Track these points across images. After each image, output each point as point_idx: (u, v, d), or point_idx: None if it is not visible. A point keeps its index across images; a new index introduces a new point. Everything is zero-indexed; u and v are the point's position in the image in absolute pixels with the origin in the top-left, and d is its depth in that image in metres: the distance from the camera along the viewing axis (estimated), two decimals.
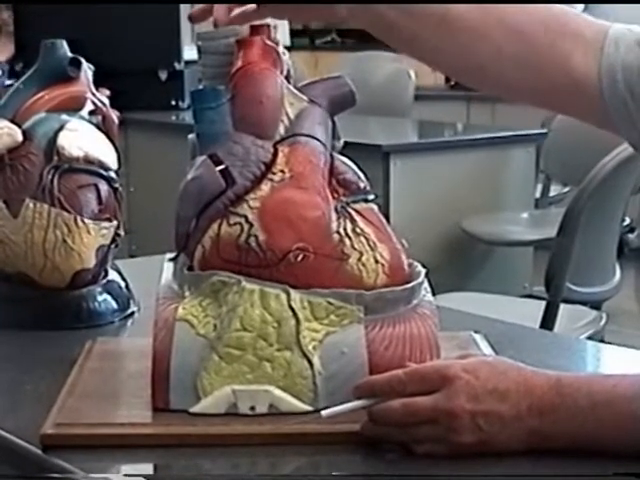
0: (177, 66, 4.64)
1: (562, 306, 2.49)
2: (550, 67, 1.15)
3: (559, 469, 0.98)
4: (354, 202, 1.13)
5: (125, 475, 1.01)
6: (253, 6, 1.17)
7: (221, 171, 1.12)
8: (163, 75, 4.67)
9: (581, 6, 6.21)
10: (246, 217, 1.10)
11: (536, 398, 0.99)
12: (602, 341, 2.49)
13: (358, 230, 1.11)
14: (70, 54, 1.53)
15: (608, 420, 0.98)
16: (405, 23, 1.14)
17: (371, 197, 1.15)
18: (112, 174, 1.50)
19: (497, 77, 1.17)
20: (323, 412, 1.02)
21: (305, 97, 1.17)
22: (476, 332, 1.32)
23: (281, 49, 1.21)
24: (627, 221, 4.40)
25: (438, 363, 1.07)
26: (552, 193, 4.25)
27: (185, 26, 4.64)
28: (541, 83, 1.16)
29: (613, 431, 0.98)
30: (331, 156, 1.16)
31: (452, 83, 6.33)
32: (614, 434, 0.98)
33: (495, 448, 0.99)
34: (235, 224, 1.10)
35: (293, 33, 5.37)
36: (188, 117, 4.19)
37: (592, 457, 0.98)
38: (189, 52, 4.54)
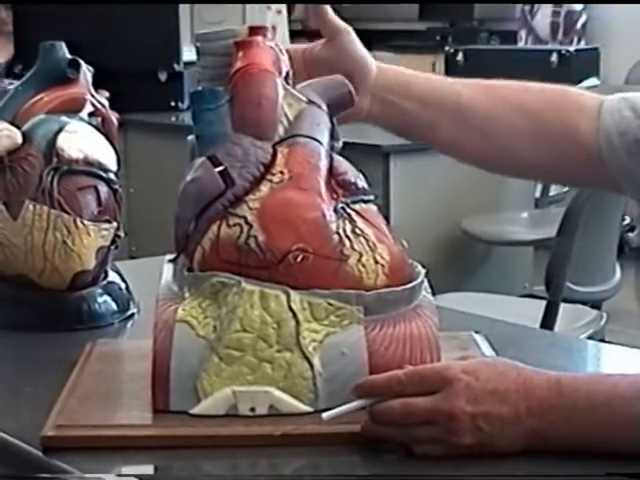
0: (176, 67, 4.63)
1: (562, 306, 2.49)
2: (563, 140, 1.22)
3: (558, 469, 0.98)
4: (353, 203, 1.13)
5: (120, 475, 1.01)
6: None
7: (220, 172, 1.12)
8: (162, 76, 4.67)
9: (580, 6, 6.21)
10: (245, 218, 1.10)
11: (536, 399, 0.99)
12: (602, 341, 2.49)
13: (358, 231, 1.11)
14: (69, 56, 1.53)
15: (607, 421, 0.98)
16: (423, 115, 1.22)
17: (370, 197, 1.15)
18: (112, 175, 1.50)
19: (518, 156, 1.24)
20: (323, 415, 1.02)
21: (304, 98, 1.17)
22: (476, 332, 1.32)
23: (280, 50, 1.21)
24: (627, 220, 4.40)
25: (438, 364, 1.07)
26: (552, 193, 4.25)
27: (184, 27, 4.64)
28: (557, 156, 1.23)
29: (612, 431, 0.98)
30: (330, 157, 1.16)
31: None
32: (613, 434, 0.98)
33: (494, 449, 0.99)
34: (234, 225, 1.10)
35: (292, 34, 5.36)
36: (187, 118, 4.17)
37: (591, 458, 0.98)
38: (188, 53, 4.54)
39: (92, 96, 1.53)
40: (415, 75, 1.26)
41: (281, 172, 1.12)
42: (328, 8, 1.25)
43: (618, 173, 1.20)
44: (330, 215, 1.11)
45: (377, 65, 1.25)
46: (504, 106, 1.23)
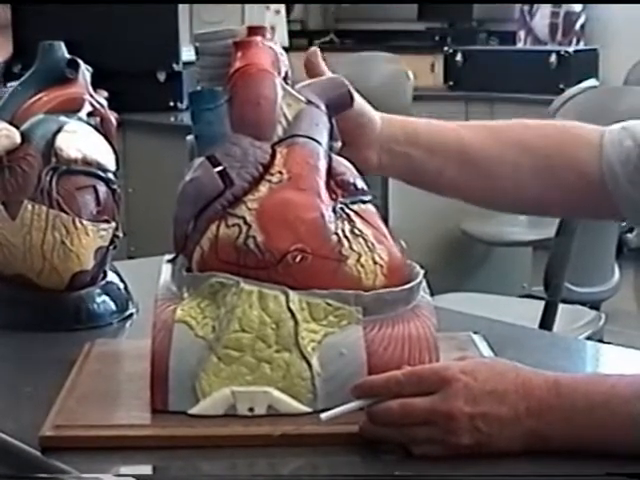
0: (175, 67, 4.64)
1: (561, 306, 2.49)
2: (566, 175, 1.25)
3: (557, 469, 0.98)
4: (352, 203, 1.13)
5: (118, 475, 1.01)
6: None
7: (219, 172, 1.12)
8: (161, 76, 4.67)
9: (579, 7, 6.21)
10: (244, 218, 1.10)
11: (534, 399, 0.99)
12: (601, 341, 2.49)
13: (356, 231, 1.11)
14: (68, 55, 1.53)
15: (605, 421, 0.98)
16: (429, 162, 1.26)
17: (369, 198, 1.16)
18: (110, 175, 1.50)
19: (519, 193, 1.27)
20: (322, 415, 1.02)
21: (303, 98, 1.17)
22: (475, 333, 1.32)
23: (279, 50, 1.21)
24: None
25: (436, 365, 1.07)
26: None
27: (183, 27, 4.64)
28: (562, 192, 1.26)
29: (610, 432, 0.98)
30: (329, 157, 1.16)
31: (450, 83, 6.33)
32: (611, 435, 0.98)
33: (493, 449, 0.99)
34: (233, 225, 1.10)
35: (291, 34, 5.37)
36: (186, 118, 4.19)
37: (591, 457, 0.98)
38: (187, 53, 4.54)
39: (91, 96, 1.53)
40: (420, 122, 1.28)
41: (280, 172, 1.12)
42: (324, 67, 1.25)
43: (620, 201, 1.24)
44: (329, 215, 1.11)
45: (381, 116, 1.27)
46: (507, 147, 1.26)
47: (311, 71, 1.25)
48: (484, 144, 1.26)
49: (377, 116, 1.27)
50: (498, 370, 1.02)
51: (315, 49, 1.26)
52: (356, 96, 1.25)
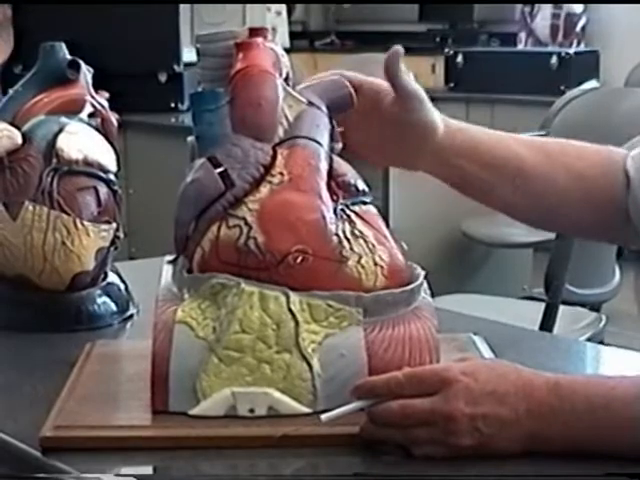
0: (176, 68, 4.64)
1: (561, 308, 2.49)
2: (601, 197, 1.27)
3: (558, 470, 0.98)
4: (353, 204, 1.13)
5: (118, 475, 1.01)
6: None
7: (220, 173, 1.12)
8: (162, 77, 4.67)
9: (580, 8, 6.21)
10: (245, 219, 1.10)
11: (535, 401, 0.99)
12: (601, 343, 2.49)
13: (357, 232, 1.11)
14: (69, 56, 1.53)
15: (606, 423, 0.98)
16: (482, 176, 1.26)
17: (370, 199, 1.16)
18: (111, 176, 1.50)
19: (565, 215, 1.29)
20: (322, 416, 1.02)
21: (304, 99, 1.17)
22: (475, 334, 1.32)
23: (280, 51, 1.21)
24: None
25: (437, 366, 1.07)
26: None
27: (184, 28, 4.64)
28: (597, 213, 1.28)
29: (610, 433, 0.98)
30: (330, 158, 1.16)
31: (451, 84, 6.33)
32: (611, 437, 0.98)
33: (493, 450, 0.99)
34: (234, 226, 1.10)
35: (292, 35, 5.37)
36: (187, 119, 4.19)
37: (591, 458, 0.98)
38: (188, 54, 4.54)
39: (92, 97, 1.53)
40: (479, 133, 1.28)
41: (281, 173, 1.12)
42: (403, 70, 1.23)
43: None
44: (330, 217, 1.11)
45: (445, 122, 1.26)
46: (557, 168, 1.27)
47: (389, 70, 1.22)
48: (538, 163, 1.26)
49: (441, 127, 1.25)
50: (499, 371, 1.02)
51: (397, 49, 1.22)
52: (426, 106, 1.24)
